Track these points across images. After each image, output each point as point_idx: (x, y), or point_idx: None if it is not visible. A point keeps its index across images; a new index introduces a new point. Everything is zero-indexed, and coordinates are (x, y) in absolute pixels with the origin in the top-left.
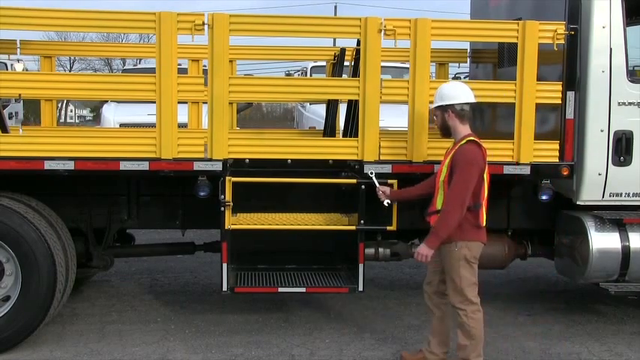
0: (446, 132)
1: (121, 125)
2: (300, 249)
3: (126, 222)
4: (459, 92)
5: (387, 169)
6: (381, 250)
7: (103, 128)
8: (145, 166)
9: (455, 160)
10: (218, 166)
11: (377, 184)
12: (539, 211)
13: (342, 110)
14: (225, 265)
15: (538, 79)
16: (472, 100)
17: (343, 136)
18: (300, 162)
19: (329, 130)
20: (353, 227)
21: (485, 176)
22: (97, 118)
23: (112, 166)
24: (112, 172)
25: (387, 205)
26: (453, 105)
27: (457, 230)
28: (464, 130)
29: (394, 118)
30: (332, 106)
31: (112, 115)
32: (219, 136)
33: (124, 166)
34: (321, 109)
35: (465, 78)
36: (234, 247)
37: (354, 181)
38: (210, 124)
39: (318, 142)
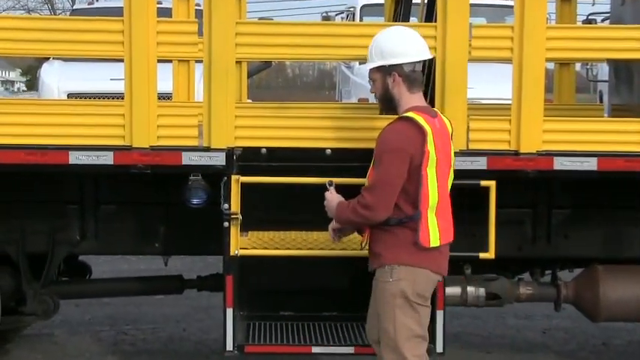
0: (388, 104)
1: (70, 96)
2: (343, 286)
3: (78, 245)
4: (408, 45)
5: (479, 164)
6: (470, 289)
7: (42, 100)
8: (107, 158)
9: (375, 149)
10: (219, 159)
11: (330, 193)
12: None
13: None
14: (230, 312)
15: None
16: (427, 55)
17: None
18: (344, 153)
19: None
20: None
21: (433, 171)
22: (32, 85)
23: (56, 159)
24: (57, 168)
25: (335, 240)
26: (400, 65)
27: (387, 248)
28: (410, 100)
29: (489, 85)
30: None
31: (56, 80)
32: (221, 113)
33: (74, 158)
34: None
35: (603, 22)
36: (245, 284)
37: None
38: (208, 94)
39: (373, 122)
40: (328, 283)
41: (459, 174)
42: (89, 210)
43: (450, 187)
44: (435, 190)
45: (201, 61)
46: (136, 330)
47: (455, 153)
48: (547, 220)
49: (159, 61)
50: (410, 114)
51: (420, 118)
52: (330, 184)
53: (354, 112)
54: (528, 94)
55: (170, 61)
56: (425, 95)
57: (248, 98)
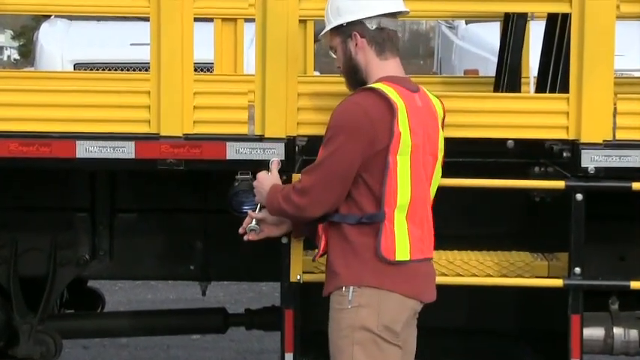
0: (353, 76)
1: (77, 67)
2: (442, 325)
3: (87, 266)
4: None
5: (630, 160)
6: (618, 331)
7: (41, 73)
8: (126, 150)
9: (327, 125)
10: (277, 152)
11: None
12: None
13: (535, 38)
14: (290, 358)
15: None
16: (396, 6)
17: (538, 92)
18: (447, 143)
19: (506, 77)
20: (559, 282)
21: (405, 160)
22: (27, 53)
23: (58, 151)
24: (60, 164)
25: (248, 237)
26: (361, 22)
27: (346, 265)
28: (381, 68)
29: None
30: (514, 29)
31: (59, 45)
32: (280, 90)
33: (83, 150)
34: (491, 36)
35: None
36: (309, 320)
37: (560, 183)
38: (261, 65)
39: (485, 103)
40: (419, 321)
41: (602, 172)
42: (102, 219)
43: (435, 187)
44: (406, 184)
45: (252, 20)
46: None
47: (594, 144)
48: None
49: (196, 19)
50: (376, 85)
51: (389, 90)
52: (278, 163)
53: (460, 89)
54: None
55: (211, 19)
56: (555, 71)
57: (315, 70)
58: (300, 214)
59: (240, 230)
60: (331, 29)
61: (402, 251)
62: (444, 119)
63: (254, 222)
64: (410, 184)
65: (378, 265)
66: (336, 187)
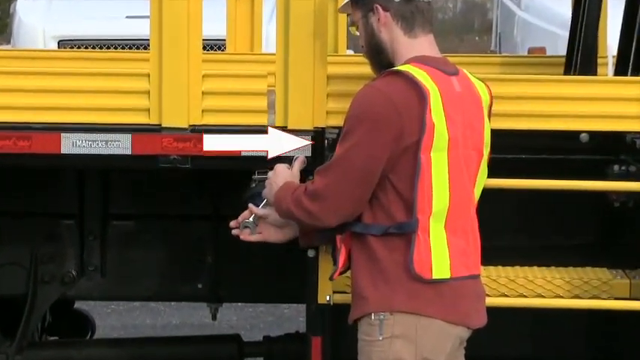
0: (377, 57)
1: (62, 44)
2: (497, 354)
3: (74, 284)
4: None
5: None
6: None
7: (19, 51)
8: (121, 145)
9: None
10: (303, 147)
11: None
12: None
13: (614, 10)
14: None
15: None
16: None
17: (617, 75)
18: (506, 136)
19: (579, 57)
20: None
21: (442, 157)
22: (3, 28)
23: (40, 146)
24: (42, 160)
25: (243, 234)
26: None
27: (374, 286)
28: (410, 48)
29: None
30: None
31: (41, 19)
32: (305, 72)
33: (69, 145)
34: (561, 6)
35: None
36: (341, 349)
37: None
38: (283, 42)
39: (554, 87)
40: (474, 349)
41: None
42: (92, 228)
43: (480, 189)
44: (444, 186)
45: None
46: None
47: None
48: None
49: None
50: (404, 67)
51: (419, 73)
52: (302, 161)
53: (523, 71)
54: None
55: None
56: (638, 49)
57: (348, 48)
58: (312, 221)
59: (233, 223)
60: (351, 2)
61: (441, 267)
62: (490, 107)
63: (252, 218)
64: (448, 186)
65: (412, 286)
66: (355, 190)
